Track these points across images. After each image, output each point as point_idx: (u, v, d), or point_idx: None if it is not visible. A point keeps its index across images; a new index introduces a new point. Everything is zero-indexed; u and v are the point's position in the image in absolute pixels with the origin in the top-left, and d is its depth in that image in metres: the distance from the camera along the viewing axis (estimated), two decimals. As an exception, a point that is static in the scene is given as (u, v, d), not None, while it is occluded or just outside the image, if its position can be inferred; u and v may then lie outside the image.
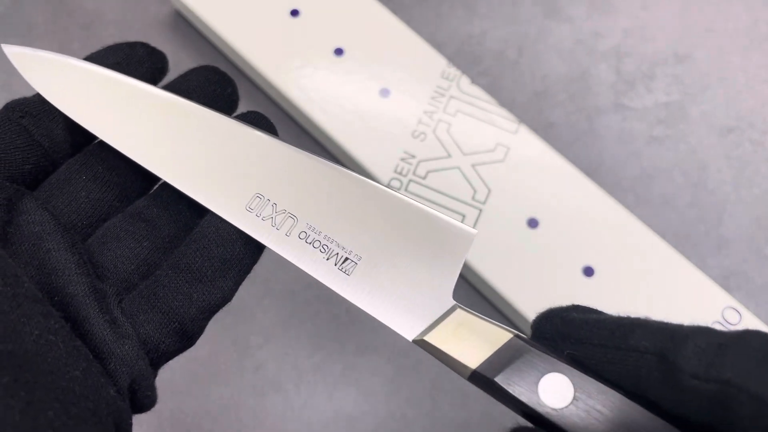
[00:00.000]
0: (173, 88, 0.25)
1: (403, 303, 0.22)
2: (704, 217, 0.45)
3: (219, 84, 0.26)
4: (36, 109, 0.24)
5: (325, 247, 0.23)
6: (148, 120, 0.24)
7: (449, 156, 0.42)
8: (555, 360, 0.20)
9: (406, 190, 0.41)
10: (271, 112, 0.47)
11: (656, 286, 0.40)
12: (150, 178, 0.25)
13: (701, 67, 0.49)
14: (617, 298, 0.39)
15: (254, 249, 0.23)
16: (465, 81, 0.44)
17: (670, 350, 0.17)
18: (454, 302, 0.22)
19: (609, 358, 0.19)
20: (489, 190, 0.42)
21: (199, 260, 0.22)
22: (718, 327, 0.31)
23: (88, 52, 0.26)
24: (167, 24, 0.49)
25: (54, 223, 0.22)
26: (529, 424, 0.20)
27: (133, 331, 0.21)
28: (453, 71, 0.44)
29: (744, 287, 0.44)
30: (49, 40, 0.48)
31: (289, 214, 0.23)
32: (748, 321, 0.39)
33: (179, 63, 0.27)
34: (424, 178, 0.42)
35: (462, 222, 0.40)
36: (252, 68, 0.45)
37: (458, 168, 0.42)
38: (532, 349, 0.20)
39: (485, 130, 0.43)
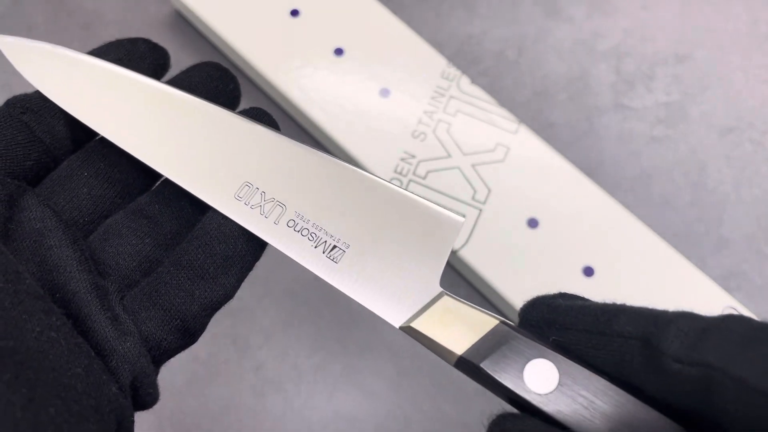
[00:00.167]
0: (175, 84, 0.25)
1: (390, 290, 0.22)
2: (704, 217, 0.45)
3: (221, 80, 0.26)
4: (37, 105, 0.24)
5: (313, 235, 0.23)
6: (143, 109, 0.24)
7: (449, 156, 0.42)
8: (540, 346, 0.20)
9: (406, 189, 0.41)
10: (271, 112, 0.47)
11: (656, 286, 0.40)
12: (152, 175, 0.25)
13: (701, 67, 0.49)
14: (617, 298, 0.39)
15: (256, 246, 0.23)
16: (465, 81, 0.44)
17: (654, 335, 0.17)
18: (441, 289, 0.22)
19: (594, 344, 0.19)
20: (489, 190, 0.42)
21: (201, 257, 0.22)
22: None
23: (88, 52, 0.26)
24: (167, 24, 0.49)
25: (55, 219, 0.22)
26: (515, 410, 0.20)
27: (134, 328, 0.21)
28: (453, 71, 0.44)
29: (744, 287, 0.44)
30: (49, 40, 0.47)
31: (278, 203, 0.23)
32: (748, 320, 0.39)
33: (179, 63, 0.27)
34: (424, 178, 0.42)
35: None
36: (252, 68, 0.45)
37: (458, 168, 0.42)
38: (518, 335, 0.20)
39: (485, 130, 0.43)
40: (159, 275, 0.23)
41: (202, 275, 0.22)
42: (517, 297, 0.39)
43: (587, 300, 0.21)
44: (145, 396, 0.21)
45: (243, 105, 0.27)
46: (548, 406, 0.19)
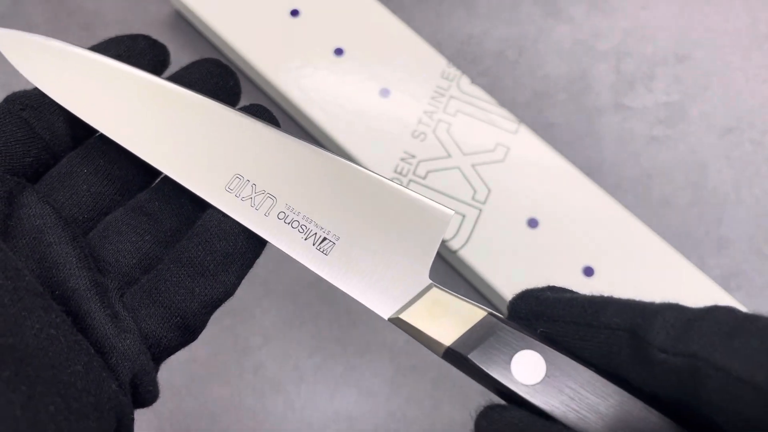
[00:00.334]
0: (174, 80, 0.25)
1: (380, 282, 0.22)
2: (704, 217, 0.45)
3: (221, 76, 0.26)
4: (37, 102, 0.24)
5: (303, 227, 0.23)
6: (140, 104, 0.24)
7: (449, 156, 0.42)
8: (528, 337, 0.20)
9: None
10: (272, 111, 0.47)
11: (656, 286, 0.40)
12: (151, 172, 0.25)
13: (701, 67, 0.49)
14: (618, 297, 0.39)
15: (256, 243, 0.23)
16: (465, 81, 0.44)
17: (640, 326, 0.18)
18: (431, 281, 0.22)
19: (581, 335, 0.19)
20: (489, 190, 0.42)
21: (202, 254, 0.22)
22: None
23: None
24: (167, 24, 0.49)
25: (55, 216, 0.22)
26: (502, 402, 0.20)
27: (134, 325, 0.21)
28: (453, 71, 0.44)
29: (744, 287, 0.44)
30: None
31: (268, 195, 0.23)
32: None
33: (179, 63, 0.27)
34: (424, 178, 0.42)
35: (461, 221, 0.41)
36: (252, 68, 0.45)
37: (458, 168, 0.42)
38: (506, 326, 0.20)
39: (485, 130, 0.43)
40: (159, 272, 0.22)
41: (202, 272, 0.22)
42: (518, 297, 0.39)
43: (575, 292, 0.21)
44: (144, 393, 0.21)
45: (243, 104, 0.27)
46: (535, 397, 0.19)
